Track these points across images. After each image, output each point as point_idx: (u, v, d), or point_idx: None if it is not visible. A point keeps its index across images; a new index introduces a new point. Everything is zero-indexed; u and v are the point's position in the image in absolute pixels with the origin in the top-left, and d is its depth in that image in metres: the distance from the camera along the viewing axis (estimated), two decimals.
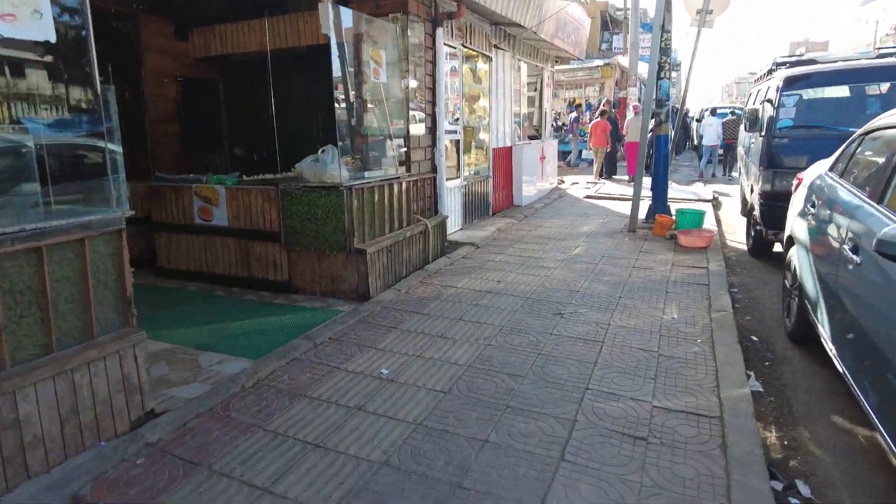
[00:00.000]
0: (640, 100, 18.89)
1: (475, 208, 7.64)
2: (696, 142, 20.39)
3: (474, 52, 7.35)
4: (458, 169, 6.98)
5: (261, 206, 4.97)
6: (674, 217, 7.16)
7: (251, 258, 5.14)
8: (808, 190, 3.97)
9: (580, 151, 18.20)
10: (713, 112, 14.88)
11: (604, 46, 29.78)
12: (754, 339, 4.08)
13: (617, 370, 3.28)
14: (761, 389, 3.31)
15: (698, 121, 20.50)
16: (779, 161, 5.58)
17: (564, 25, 9.21)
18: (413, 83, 5.70)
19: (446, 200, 6.48)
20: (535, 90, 11.23)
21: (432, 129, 6.08)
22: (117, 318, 2.72)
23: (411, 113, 5.67)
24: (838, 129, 5.38)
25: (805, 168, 5.16)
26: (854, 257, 2.64)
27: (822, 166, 4.12)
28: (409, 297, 4.66)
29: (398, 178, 5.38)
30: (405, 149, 5.60)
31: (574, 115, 16.90)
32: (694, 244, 6.37)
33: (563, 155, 17.88)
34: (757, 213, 5.89)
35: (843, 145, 3.86)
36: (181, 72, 6.54)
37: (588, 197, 10.45)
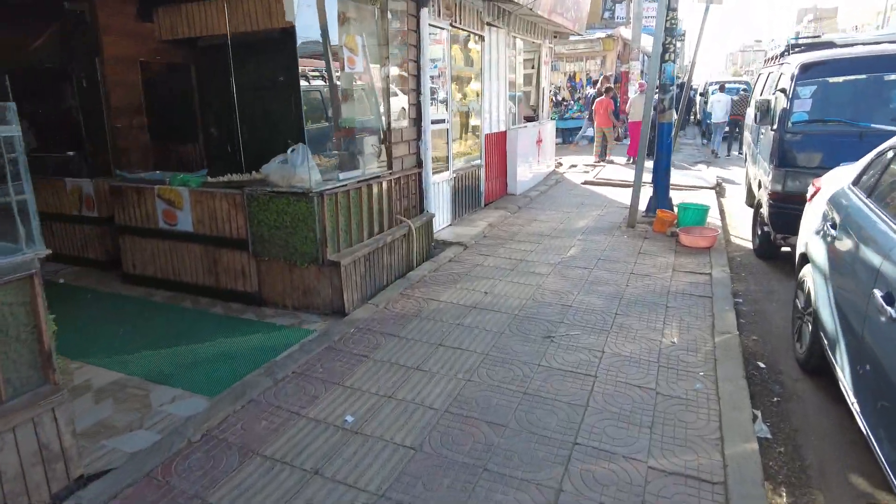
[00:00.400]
0: (643, 73, 18.22)
1: (466, 201, 7.22)
2: (699, 116, 19.77)
3: (465, 32, 6.81)
4: (448, 160, 6.54)
5: (227, 212, 4.56)
6: (676, 212, 6.75)
7: (218, 267, 4.76)
8: (828, 204, 3.56)
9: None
10: (722, 88, 14.94)
11: (606, 15, 28.76)
12: (761, 365, 3.74)
13: (610, 416, 2.94)
14: (769, 436, 2.98)
15: (702, 94, 19.83)
16: (792, 159, 5.14)
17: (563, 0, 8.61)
18: (394, 70, 5.21)
19: (433, 196, 6.06)
20: (533, 67, 10.64)
21: (417, 121, 5.62)
22: (35, 376, 2.35)
23: (393, 103, 5.20)
24: (859, 124, 4.94)
25: (820, 168, 4.75)
26: (889, 309, 2.26)
27: (843, 176, 3.70)
28: (386, 314, 4.29)
29: (378, 176, 4.96)
30: (386, 144, 5.15)
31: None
32: (696, 244, 5.99)
33: (561, 133, 17.31)
34: (765, 212, 5.49)
35: (872, 154, 3.43)
36: (147, 56, 6.02)
37: (586, 183, 10.00)
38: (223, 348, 3.88)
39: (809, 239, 3.72)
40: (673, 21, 6.55)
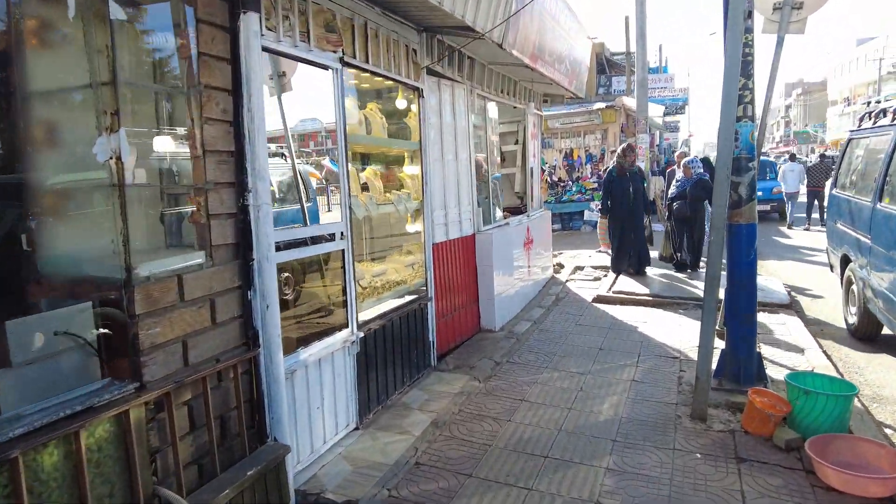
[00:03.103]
0: (653, 148, 15.84)
1: (394, 369, 4.04)
2: None
3: (384, 79, 3.94)
4: (347, 306, 3.43)
5: None
6: (782, 394, 3.57)
7: None
8: None
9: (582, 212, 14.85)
10: (793, 157, 14.98)
11: (601, 91, 27.13)
12: None
13: None
14: None
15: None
16: None
17: (553, 42, 5.89)
18: (168, 143, 2.25)
19: (294, 399, 2.93)
20: (517, 143, 7.86)
21: (240, 248, 2.57)
22: None
23: (152, 215, 2.20)
24: None
25: None
26: None
27: None
28: None
29: (82, 412, 1.84)
30: (128, 315, 2.07)
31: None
32: (865, 493, 2.76)
33: (559, 219, 14.52)
34: None
35: None
36: None
37: (599, 300, 6.86)
38: None
39: None
40: (749, 49, 3.70)
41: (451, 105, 5.04)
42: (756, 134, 3.97)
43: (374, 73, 3.68)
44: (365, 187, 4.15)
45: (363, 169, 4.11)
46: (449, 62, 4.86)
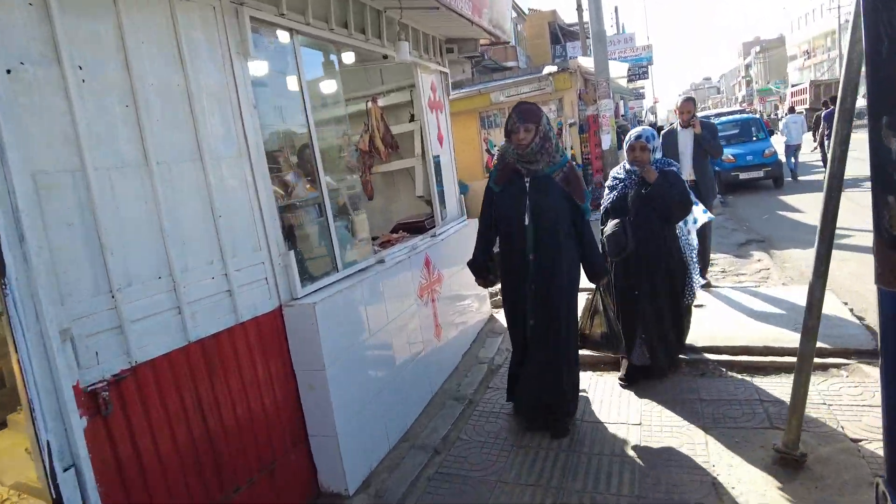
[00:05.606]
0: (622, 115, 13.25)
1: None
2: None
3: None
4: None
5: None
6: None
7: None
8: None
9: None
10: (792, 110, 15.83)
11: (557, 61, 24.52)
12: None
13: None
14: None
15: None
16: None
17: None
18: None
19: None
20: (412, 119, 5.06)
21: None
22: None
23: None
24: None
25: None
26: None
27: None
28: None
29: None
30: None
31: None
32: None
33: None
34: None
35: None
36: None
37: None
38: None
39: None
40: None
41: (174, 42, 2.20)
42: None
43: None
44: None
45: None
46: None
